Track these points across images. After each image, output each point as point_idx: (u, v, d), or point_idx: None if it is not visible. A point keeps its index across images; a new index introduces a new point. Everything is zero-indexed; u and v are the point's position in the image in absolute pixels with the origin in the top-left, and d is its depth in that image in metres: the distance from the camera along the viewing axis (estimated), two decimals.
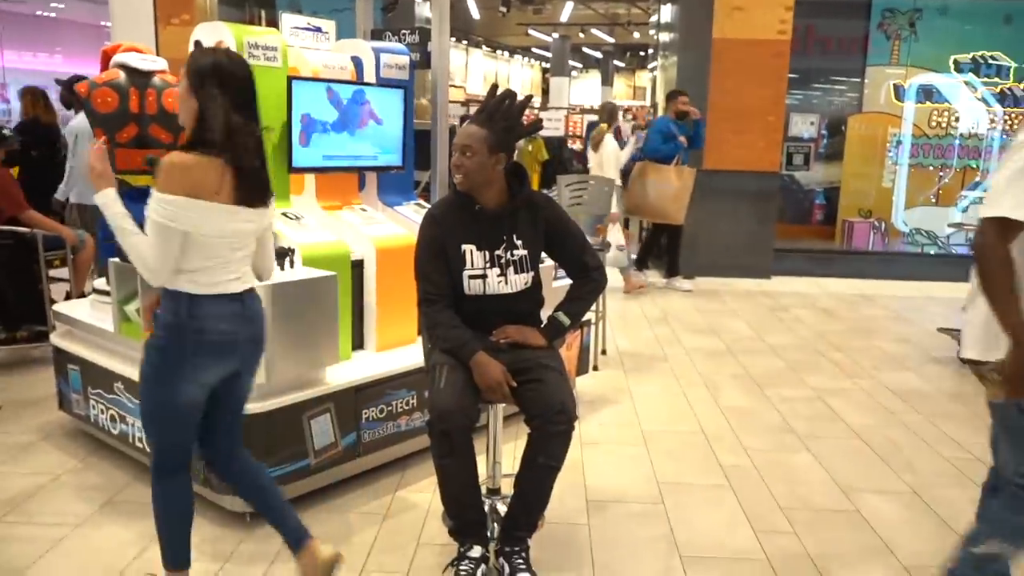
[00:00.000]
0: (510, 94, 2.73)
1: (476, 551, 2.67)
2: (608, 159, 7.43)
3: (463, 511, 2.69)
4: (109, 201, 2.28)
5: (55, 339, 3.80)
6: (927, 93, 9.07)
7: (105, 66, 3.62)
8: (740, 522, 3.22)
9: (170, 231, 2.17)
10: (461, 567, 2.63)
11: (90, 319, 3.63)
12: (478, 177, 2.68)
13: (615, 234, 7.08)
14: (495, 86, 2.83)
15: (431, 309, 2.73)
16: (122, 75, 3.51)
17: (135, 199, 3.63)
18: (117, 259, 3.24)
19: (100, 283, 3.71)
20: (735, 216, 8.29)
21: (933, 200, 9.30)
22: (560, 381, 2.67)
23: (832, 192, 9.58)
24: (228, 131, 2.24)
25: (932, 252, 9.22)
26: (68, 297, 5.12)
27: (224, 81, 2.26)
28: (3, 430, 3.88)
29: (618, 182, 7.29)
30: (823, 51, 9.10)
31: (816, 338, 6.12)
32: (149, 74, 3.56)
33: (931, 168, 9.24)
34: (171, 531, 2.45)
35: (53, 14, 15.82)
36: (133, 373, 3.25)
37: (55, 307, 3.99)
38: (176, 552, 2.45)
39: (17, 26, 14.85)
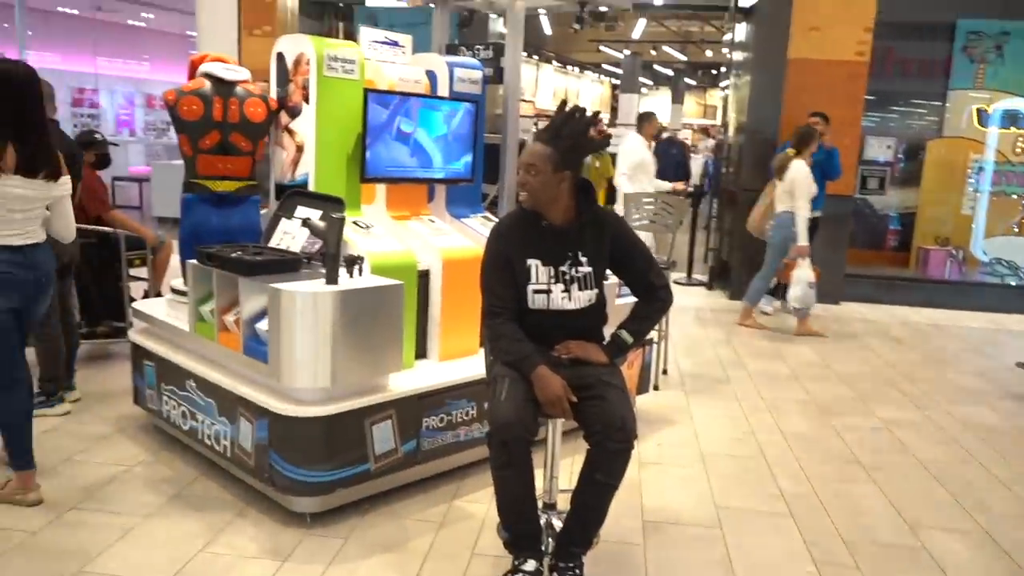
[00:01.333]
0: (578, 110, 2.75)
1: (530, 565, 2.67)
2: (799, 187, 6.43)
3: (519, 523, 2.70)
4: None
5: (133, 336, 3.95)
6: (1012, 119, 8.75)
7: (192, 75, 3.77)
8: (800, 552, 3.15)
9: None
10: None
11: (167, 317, 3.77)
12: (542, 195, 2.70)
13: (804, 270, 6.48)
14: (564, 103, 2.86)
15: (495, 322, 2.76)
16: (207, 84, 3.65)
17: (215, 204, 3.81)
18: (195, 261, 3.36)
19: (177, 283, 3.85)
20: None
21: (1015, 230, 8.95)
22: (621, 399, 2.66)
23: (907, 218, 9.30)
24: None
25: (1012, 283, 8.87)
26: (146, 295, 5.32)
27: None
28: (81, 421, 4.05)
29: (805, 213, 6.45)
30: (903, 73, 8.86)
31: (886, 367, 5.95)
32: (232, 83, 3.69)
33: (1014, 196, 8.89)
34: (14, 436, 3.17)
35: (143, 24, 16.50)
36: (206, 371, 3.37)
37: (134, 305, 4.15)
38: (22, 455, 3.16)
39: (110, 35, 15.54)
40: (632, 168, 7.46)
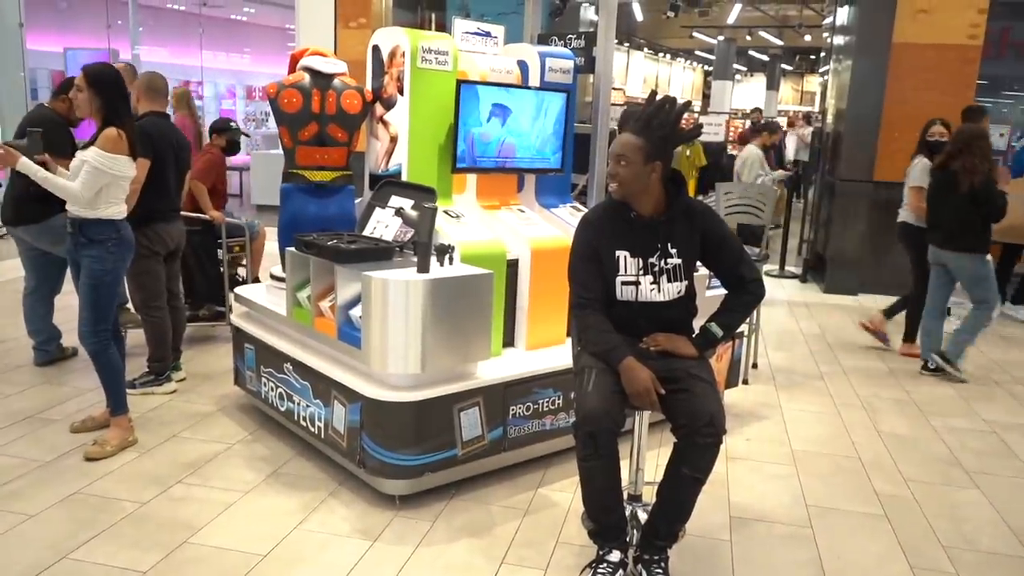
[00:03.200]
0: (669, 100, 2.71)
1: (615, 556, 2.67)
2: None
3: (604, 514, 2.70)
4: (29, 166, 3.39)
5: (235, 319, 4.13)
6: None
7: (292, 68, 3.89)
8: (895, 556, 3.04)
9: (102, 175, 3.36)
10: (599, 570, 2.65)
11: (266, 303, 3.93)
12: (633, 186, 2.68)
13: None
14: (654, 92, 2.82)
15: (583, 312, 2.76)
16: (307, 78, 3.76)
17: (312, 193, 3.93)
18: (293, 248, 3.48)
19: (276, 270, 3.99)
20: None
21: None
22: (710, 392, 2.63)
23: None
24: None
25: None
26: (244, 282, 5.55)
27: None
28: (186, 399, 4.26)
29: None
30: (1018, 56, 8.38)
31: (993, 367, 5.66)
32: (331, 76, 3.79)
33: None
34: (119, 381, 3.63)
35: (244, 18, 17.12)
36: (302, 355, 3.49)
37: (236, 290, 4.33)
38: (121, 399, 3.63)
39: (213, 29, 16.18)
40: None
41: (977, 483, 3.73)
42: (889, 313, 5.95)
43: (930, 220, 5.29)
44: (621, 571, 2.67)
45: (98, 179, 3.36)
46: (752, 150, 7.11)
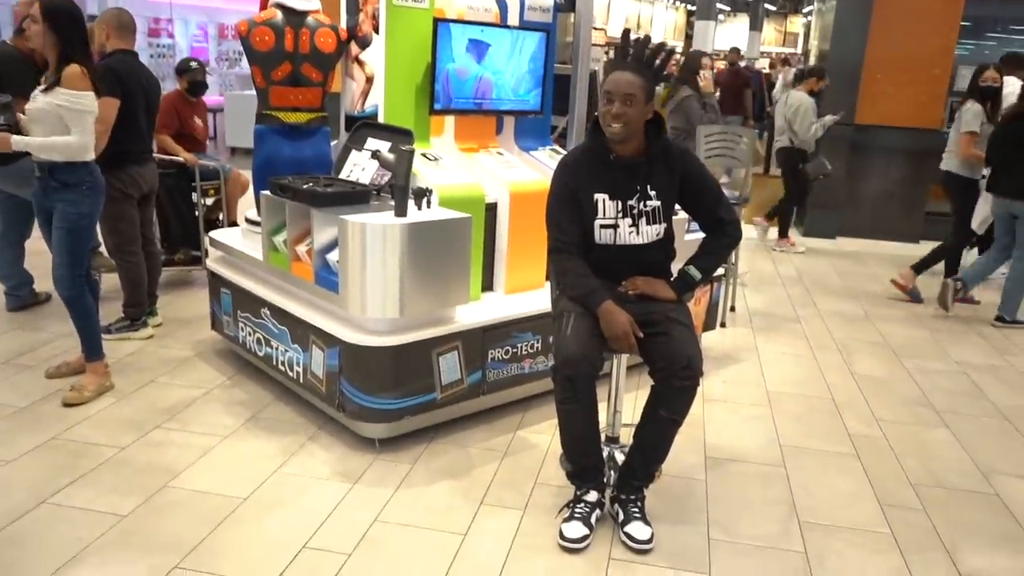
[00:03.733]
0: (660, 43, 2.69)
1: (592, 496, 2.72)
2: None
3: (582, 457, 2.74)
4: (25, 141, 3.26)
5: (210, 264, 4.08)
6: None
7: (264, 5, 3.78)
8: (865, 494, 3.12)
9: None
10: (576, 510, 2.70)
11: (242, 247, 3.88)
12: (635, 126, 2.64)
13: None
14: (627, 31, 2.79)
15: (560, 257, 2.75)
16: (279, 15, 3.66)
17: (287, 135, 3.85)
18: (268, 192, 3.42)
19: (251, 213, 3.94)
20: (886, 175, 7.83)
21: None
22: (688, 335, 2.65)
23: (1000, 153, 8.82)
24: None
25: None
26: (219, 225, 5.47)
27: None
28: (163, 344, 4.24)
29: None
30: None
31: (964, 309, 5.74)
32: (304, 14, 3.69)
33: None
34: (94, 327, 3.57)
35: None
36: (279, 300, 3.46)
37: (210, 234, 4.27)
38: (97, 345, 3.58)
39: None
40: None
41: (946, 422, 3.81)
42: (920, 268, 5.94)
43: (997, 172, 5.27)
44: (598, 510, 2.72)
45: (86, 120, 3.29)
46: (802, 97, 6.94)
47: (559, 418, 2.68)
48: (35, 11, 3.31)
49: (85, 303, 3.51)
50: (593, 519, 2.69)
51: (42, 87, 3.31)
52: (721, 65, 13.22)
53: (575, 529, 2.64)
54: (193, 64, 5.57)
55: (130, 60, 4.11)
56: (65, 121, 3.25)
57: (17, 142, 3.24)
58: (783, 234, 7.39)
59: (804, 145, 6.98)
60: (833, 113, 7.10)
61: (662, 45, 2.67)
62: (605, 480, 2.82)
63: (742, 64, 12.09)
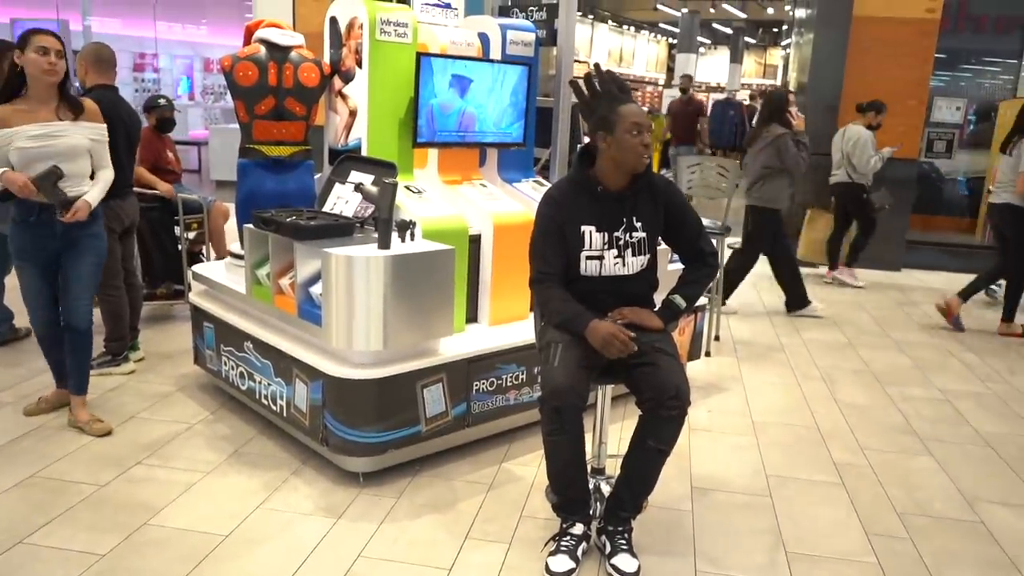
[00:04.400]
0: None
1: (578, 528, 2.70)
2: None
3: (568, 488, 2.72)
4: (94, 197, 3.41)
5: (193, 298, 4.06)
6: None
7: (248, 41, 3.80)
8: (851, 523, 3.11)
9: None
10: (563, 543, 2.68)
11: (225, 281, 3.86)
12: None
13: None
14: (597, 65, 2.88)
15: (542, 287, 2.76)
16: (263, 50, 3.67)
17: (270, 169, 3.86)
18: (251, 225, 3.42)
19: (235, 247, 3.93)
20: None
21: None
22: (674, 365, 2.65)
23: (976, 182, 8.97)
24: None
25: None
26: (200, 259, 5.45)
27: None
28: (145, 379, 4.20)
29: None
30: (975, 30, 8.49)
31: (947, 336, 5.79)
32: (287, 49, 3.71)
33: None
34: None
35: None
36: (262, 333, 3.44)
37: (193, 268, 4.25)
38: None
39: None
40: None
41: (930, 450, 3.82)
42: (966, 295, 5.95)
43: None
44: (584, 543, 2.70)
45: (108, 152, 3.53)
46: (861, 131, 6.97)
47: (546, 449, 2.67)
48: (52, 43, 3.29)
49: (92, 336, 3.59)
50: (579, 552, 2.67)
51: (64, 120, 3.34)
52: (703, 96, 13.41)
53: (561, 563, 2.62)
54: (161, 101, 5.59)
55: (111, 95, 4.11)
56: (94, 155, 3.43)
57: (93, 203, 3.40)
58: (848, 263, 7.39)
59: (862, 179, 7.02)
60: (890, 146, 7.13)
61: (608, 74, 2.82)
62: (591, 512, 2.80)
63: (722, 95, 12.26)
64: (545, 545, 2.75)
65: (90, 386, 3.68)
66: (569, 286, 2.76)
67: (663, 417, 2.58)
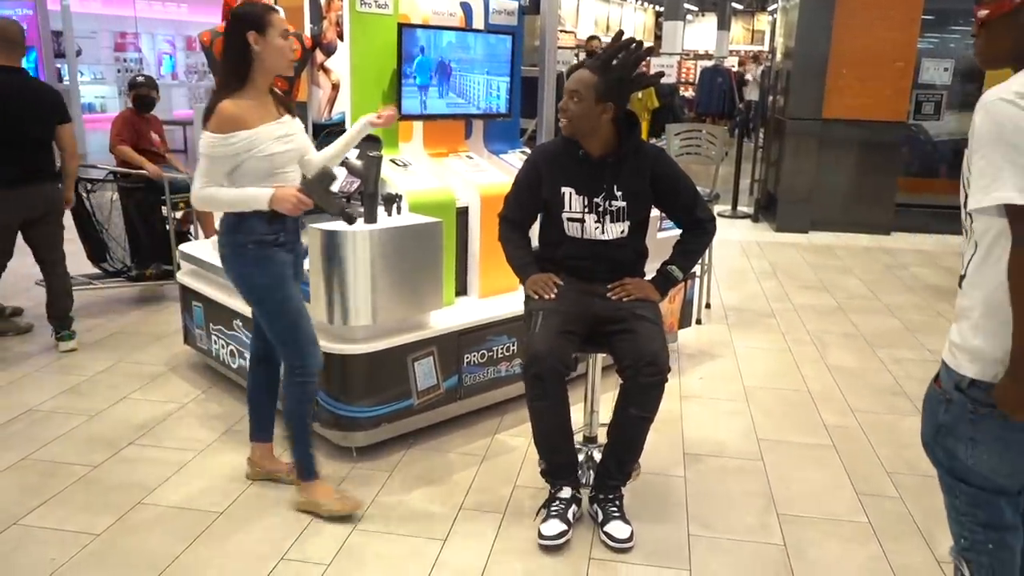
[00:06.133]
0: (634, 42, 2.68)
1: (566, 492, 2.72)
2: None
3: (554, 454, 2.74)
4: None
5: (181, 277, 4.04)
6: None
7: (226, 16, 3.75)
8: (842, 484, 3.14)
9: None
10: (552, 507, 2.70)
11: (213, 259, 3.84)
12: (582, 123, 2.66)
13: None
14: (620, 33, 2.78)
15: (504, 225, 2.89)
16: None
17: None
18: None
19: None
20: (855, 168, 7.92)
21: None
22: (654, 332, 2.66)
23: (964, 144, 8.93)
24: None
25: None
26: (187, 238, 5.41)
27: None
28: (135, 360, 4.19)
29: None
30: None
31: (936, 298, 5.82)
32: None
33: None
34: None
35: None
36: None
37: (181, 247, 4.22)
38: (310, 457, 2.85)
39: None
40: None
41: (920, 410, 3.83)
42: None
43: None
44: (575, 506, 2.73)
45: None
46: None
47: (531, 417, 2.68)
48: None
49: None
50: (570, 515, 2.69)
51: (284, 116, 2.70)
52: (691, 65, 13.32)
53: (552, 527, 2.64)
54: (140, 79, 5.53)
55: (16, 79, 3.96)
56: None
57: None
58: None
59: None
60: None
61: (627, 45, 2.67)
62: (584, 480, 2.82)
63: (711, 62, 12.18)
64: (537, 514, 2.77)
65: (77, 368, 3.66)
66: (557, 248, 2.81)
67: (642, 384, 2.59)
